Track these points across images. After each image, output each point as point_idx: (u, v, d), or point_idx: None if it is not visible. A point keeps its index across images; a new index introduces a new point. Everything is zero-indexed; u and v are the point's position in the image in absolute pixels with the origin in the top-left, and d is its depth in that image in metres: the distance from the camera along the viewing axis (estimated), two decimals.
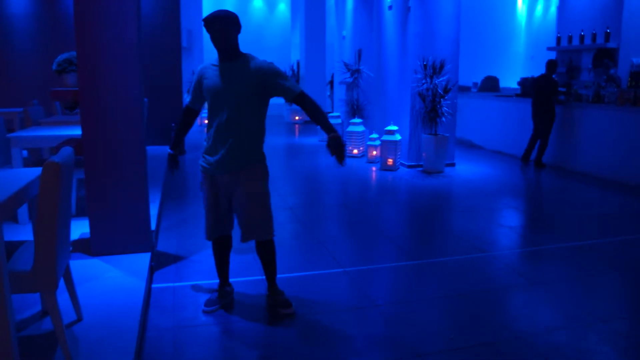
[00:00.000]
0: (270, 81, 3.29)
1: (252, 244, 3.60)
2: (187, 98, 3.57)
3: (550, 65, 8.82)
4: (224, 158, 3.30)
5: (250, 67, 3.28)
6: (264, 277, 3.66)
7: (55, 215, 2.59)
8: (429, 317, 3.63)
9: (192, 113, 3.61)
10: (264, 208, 3.46)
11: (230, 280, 3.85)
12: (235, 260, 4.55)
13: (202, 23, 3.25)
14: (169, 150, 3.71)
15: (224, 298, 3.67)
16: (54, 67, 5.43)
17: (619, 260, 4.75)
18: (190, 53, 15.15)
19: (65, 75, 5.38)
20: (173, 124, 9.94)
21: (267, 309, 3.63)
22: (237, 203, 3.41)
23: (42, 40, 10.45)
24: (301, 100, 3.34)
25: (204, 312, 3.57)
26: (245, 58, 3.33)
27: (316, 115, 3.32)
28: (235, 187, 3.37)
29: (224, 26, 3.20)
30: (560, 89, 8.99)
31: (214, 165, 3.34)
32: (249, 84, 3.25)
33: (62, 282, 3.08)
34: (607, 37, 10.17)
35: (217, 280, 3.77)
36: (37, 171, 3.06)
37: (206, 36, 16.63)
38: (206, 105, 3.47)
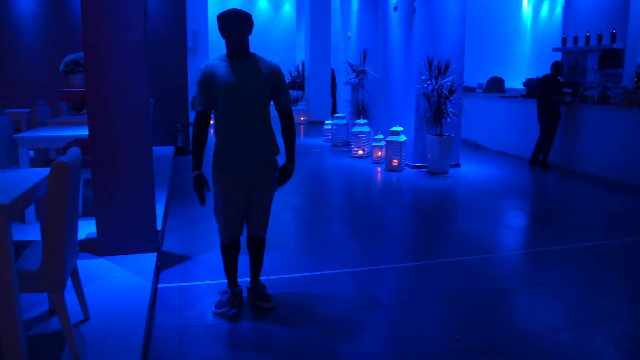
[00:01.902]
0: (277, 83, 3.39)
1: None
2: (196, 105, 3.34)
3: (555, 66, 8.80)
4: (251, 154, 3.34)
5: (263, 66, 3.36)
6: (268, 276, 3.67)
7: (63, 216, 2.61)
8: (433, 317, 3.64)
9: (206, 119, 3.37)
10: (271, 206, 3.59)
11: (265, 278, 3.86)
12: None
13: (217, 20, 3.27)
14: (194, 173, 3.39)
15: (235, 298, 3.66)
16: (61, 67, 5.46)
17: (624, 262, 4.74)
18: (196, 53, 15.18)
19: (72, 76, 5.42)
20: (179, 125, 9.98)
21: (249, 304, 3.68)
22: (255, 198, 3.45)
23: (49, 41, 10.52)
24: (288, 114, 3.50)
25: (215, 314, 3.55)
26: (255, 57, 3.40)
27: (290, 138, 3.52)
28: (256, 182, 3.42)
29: (240, 24, 3.24)
30: (566, 89, 8.97)
31: (241, 162, 3.33)
32: (264, 81, 3.33)
33: (69, 282, 3.11)
34: (613, 37, 10.14)
35: (223, 280, 3.79)
36: (44, 172, 3.09)
37: (212, 37, 16.69)
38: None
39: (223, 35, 3.27)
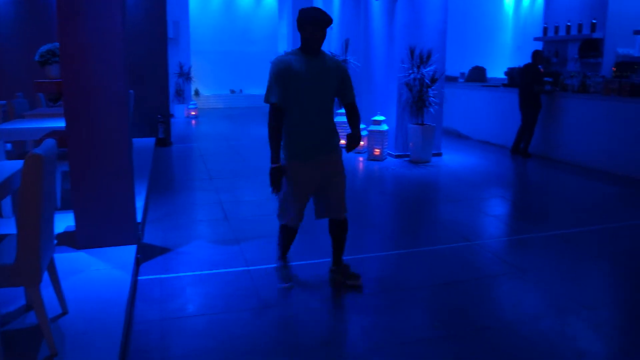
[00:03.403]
0: (346, 81, 3.63)
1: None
2: (271, 97, 3.45)
3: (536, 55, 8.85)
4: (320, 142, 3.58)
5: (333, 63, 3.59)
6: (249, 267, 3.66)
7: (38, 208, 2.56)
8: (415, 305, 3.65)
9: (282, 112, 3.48)
10: (345, 189, 3.76)
11: (230, 269, 3.91)
12: (221, 251, 4.55)
13: (302, 15, 3.42)
14: (272, 165, 3.49)
15: (289, 271, 3.98)
16: (37, 58, 5.36)
17: (603, 248, 4.80)
18: (177, 44, 15.02)
19: (48, 67, 5.32)
20: (160, 116, 9.88)
21: (332, 284, 3.88)
22: (328, 183, 3.64)
23: (25, 31, 10.30)
24: (353, 106, 3.70)
25: (282, 288, 3.78)
26: (325, 54, 3.60)
27: (357, 120, 3.72)
28: (327, 168, 3.63)
29: (326, 27, 3.45)
30: (547, 78, 9.02)
31: (311, 150, 3.55)
32: (333, 76, 3.55)
33: (46, 276, 3.06)
34: (593, 27, 10.22)
35: (205, 272, 3.79)
36: (20, 164, 3.03)
37: (193, 28, 16.51)
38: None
39: (303, 31, 3.43)
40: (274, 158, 3.50)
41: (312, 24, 3.39)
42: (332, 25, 3.57)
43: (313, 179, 3.61)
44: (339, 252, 3.90)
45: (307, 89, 3.46)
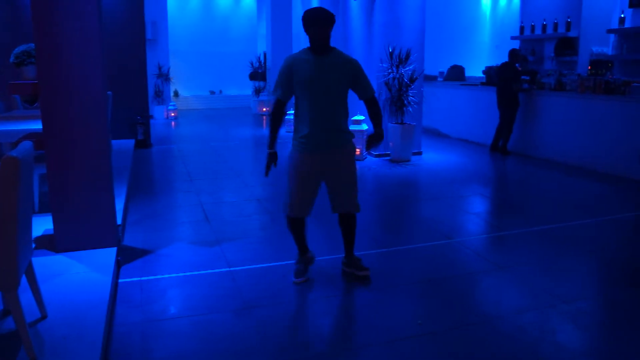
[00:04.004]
0: (360, 77, 3.73)
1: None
2: (276, 92, 3.76)
3: (512, 53, 8.96)
4: (327, 136, 3.65)
5: (343, 61, 3.67)
6: (231, 267, 3.64)
7: (14, 212, 2.53)
8: (397, 303, 3.67)
9: (284, 106, 3.78)
10: (356, 183, 3.84)
11: (212, 271, 3.84)
12: (203, 252, 4.53)
13: (304, 18, 3.55)
14: (269, 150, 3.78)
15: (308, 262, 4.02)
16: (12, 59, 5.26)
17: (581, 243, 4.87)
18: (156, 45, 14.90)
19: (23, 68, 5.23)
20: (139, 117, 9.78)
21: (343, 275, 4.01)
22: (335, 177, 3.74)
23: (0, 31, 10.13)
24: (371, 101, 3.80)
25: (295, 282, 3.85)
26: (336, 52, 3.68)
27: (377, 116, 3.83)
28: (333, 162, 3.71)
29: (327, 24, 3.55)
30: (524, 77, 9.14)
31: (317, 144, 3.64)
32: (345, 74, 3.65)
33: (25, 280, 3.02)
34: (569, 26, 10.38)
35: (187, 273, 3.76)
36: None
37: (171, 28, 16.40)
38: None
39: (307, 31, 3.57)
40: (271, 144, 3.79)
41: (313, 24, 3.52)
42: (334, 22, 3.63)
43: (316, 172, 3.71)
44: (348, 246, 4.01)
45: (314, 87, 3.59)
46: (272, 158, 3.80)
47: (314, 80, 3.58)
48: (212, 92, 18.92)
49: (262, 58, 17.07)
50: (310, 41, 3.61)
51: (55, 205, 4.11)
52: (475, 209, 6.24)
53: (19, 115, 5.93)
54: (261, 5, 17.29)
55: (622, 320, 3.44)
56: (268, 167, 3.84)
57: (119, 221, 4.56)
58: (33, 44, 4.81)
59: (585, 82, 8.07)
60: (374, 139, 3.82)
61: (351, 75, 3.68)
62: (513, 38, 12.15)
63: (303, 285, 3.89)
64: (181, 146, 10.46)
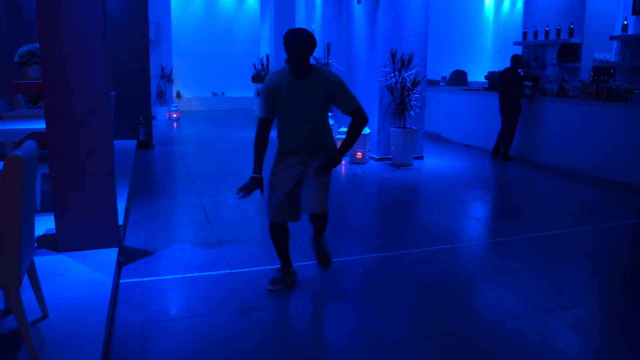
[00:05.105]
0: (336, 95, 3.64)
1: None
2: (260, 112, 3.74)
3: (515, 59, 8.97)
4: (304, 143, 3.66)
5: (322, 81, 3.59)
6: (232, 270, 3.64)
7: (17, 211, 2.54)
8: (397, 307, 3.68)
9: (269, 124, 3.73)
10: (328, 186, 3.76)
11: (212, 272, 3.83)
12: (204, 254, 4.54)
13: (283, 39, 3.51)
14: (254, 175, 3.67)
15: (286, 278, 3.89)
16: (16, 59, 5.29)
17: (581, 249, 4.88)
18: (159, 46, 14.93)
19: (27, 68, 5.25)
20: (141, 118, 9.81)
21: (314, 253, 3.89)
22: (305, 180, 3.66)
23: (4, 31, 10.17)
24: (355, 114, 3.69)
25: (268, 290, 3.78)
26: (315, 72, 3.60)
27: (350, 132, 3.72)
28: (307, 166, 3.66)
29: (304, 52, 3.47)
30: (526, 82, 9.16)
31: (294, 147, 3.66)
32: (322, 95, 3.60)
33: (26, 279, 3.03)
34: (571, 32, 10.40)
35: (187, 275, 3.81)
36: None
37: (175, 29, 16.43)
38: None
39: (286, 52, 3.49)
40: (255, 168, 3.69)
41: (287, 49, 3.47)
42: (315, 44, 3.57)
43: (290, 176, 3.67)
44: (317, 233, 3.80)
45: (289, 107, 3.61)
46: (256, 184, 3.68)
47: (291, 104, 3.60)
48: (215, 94, 18.94)
49: (264, 60, 17.09)
50: (288, 64, 3.56)
51: (57, 204, 4.12)
52: (476, 214, 6.24)
53: (22, 115, 5.95)
54: (264, 7, 17.32)
55: (621, 326, 3.44)
56: (247, 190, 3.66)
57: (120, 222, 4.57)
58: (37, 44, 4.83)
59: (587, 88, 8.08)
60: (328, 164, 3.67)
61: (328, 95, 3.62)
62: (516, 44, 12.17)
63: (304, 288, 3.90)
64: (183, 147, 10.48)
